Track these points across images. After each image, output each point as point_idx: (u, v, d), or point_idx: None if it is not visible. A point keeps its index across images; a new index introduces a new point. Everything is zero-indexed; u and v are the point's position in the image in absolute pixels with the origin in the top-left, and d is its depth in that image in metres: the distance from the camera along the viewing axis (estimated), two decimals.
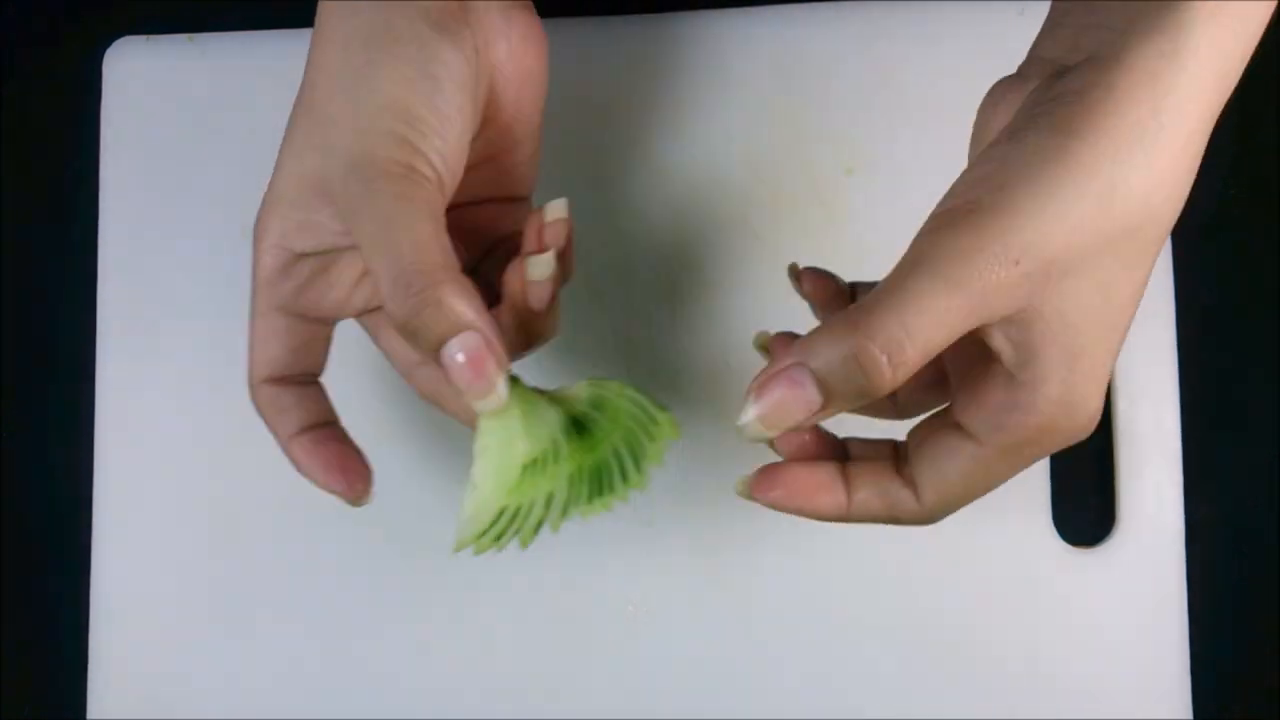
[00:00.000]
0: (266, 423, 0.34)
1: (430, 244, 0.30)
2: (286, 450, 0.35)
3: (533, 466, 0.31)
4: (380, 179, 0.30)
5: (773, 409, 0.28)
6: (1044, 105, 0.28)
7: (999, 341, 0.29)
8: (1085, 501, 0.47)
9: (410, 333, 0.29)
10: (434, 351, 0.29)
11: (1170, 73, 0.28)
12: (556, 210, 0.33)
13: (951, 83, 0.47)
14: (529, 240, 0.33)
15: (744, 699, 0.46)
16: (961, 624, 0.46)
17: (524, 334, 0.33)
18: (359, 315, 0.36)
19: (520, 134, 0.35)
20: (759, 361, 0.32)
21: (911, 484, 0.31)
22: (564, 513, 0.32)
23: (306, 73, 0.33)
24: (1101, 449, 0.47)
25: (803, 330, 0.30)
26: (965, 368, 0.31)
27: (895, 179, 0.47)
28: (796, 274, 0.35)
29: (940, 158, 0.34)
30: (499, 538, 0.31)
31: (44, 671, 0.49)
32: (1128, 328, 0.29)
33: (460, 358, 0.29)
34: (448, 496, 0.47)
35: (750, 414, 0.28)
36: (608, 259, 0.47)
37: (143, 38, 0.49)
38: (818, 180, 0.47)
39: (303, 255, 0.33)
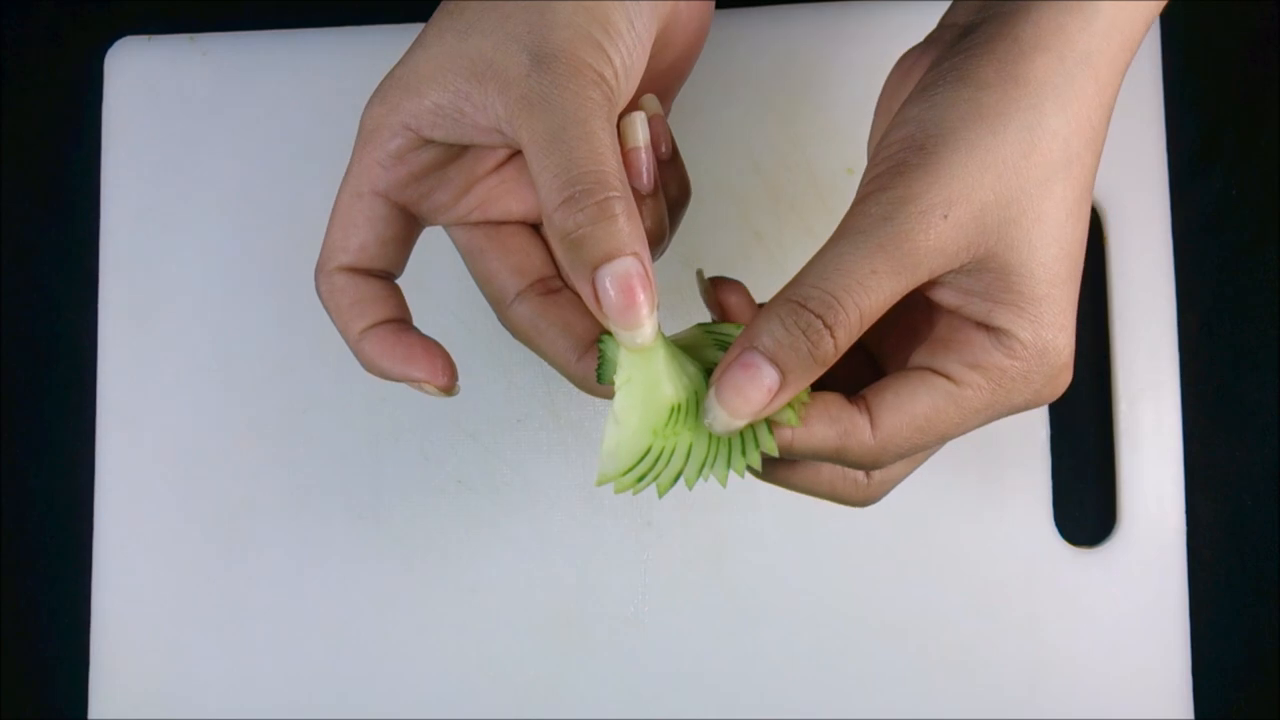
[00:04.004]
0: (335, 315, 0.32)
1: (610, 154, 0.28)
2: (356, 345, 0.32)
3: (676, 412, 0.30)
4: (571, 77, 0.28)
5: (735, 396, 0.28)
6: (951, 60, 0.29)
7: (952, 297, 0.29)
8: (1086, 501, 0.47)
9: (572, 244, 0.28)
10: (591, 270, 0.28)
11: (1076, 25, 0.28)
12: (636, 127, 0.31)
13: None
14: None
15: (744, 698, 0.46)
16: (963, 623, 0.46)
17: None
18: (456, 226, 0.33)
19: (673, 80, 0.34)
20: None
21: (868, 413, 0.30)
22: (700, 470, 0.30)
23: None
24: (1102, 448, 0.47)
25: None
26: (933, 323, 0.31)
27: None
28: (707, 285, 0.33)
29: None
30: (641, 479, 0.29)
31: (45, 671, 0.49)
32: (1079, 277, 0.30)
33: (616, 283, 0.28)
34: (448, 497, 0.47)
35: (715, 409, 0.28)
36: None
37: (144, 38, 0.50)
38: (818, 180, 0.47)
39: (428, 142, 0.31)
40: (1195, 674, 0.45)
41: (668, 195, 0.33)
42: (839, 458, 0.30)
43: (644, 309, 0.28)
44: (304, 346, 0.48)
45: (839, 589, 0.46)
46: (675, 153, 0.33)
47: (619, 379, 0.29)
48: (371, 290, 0.32)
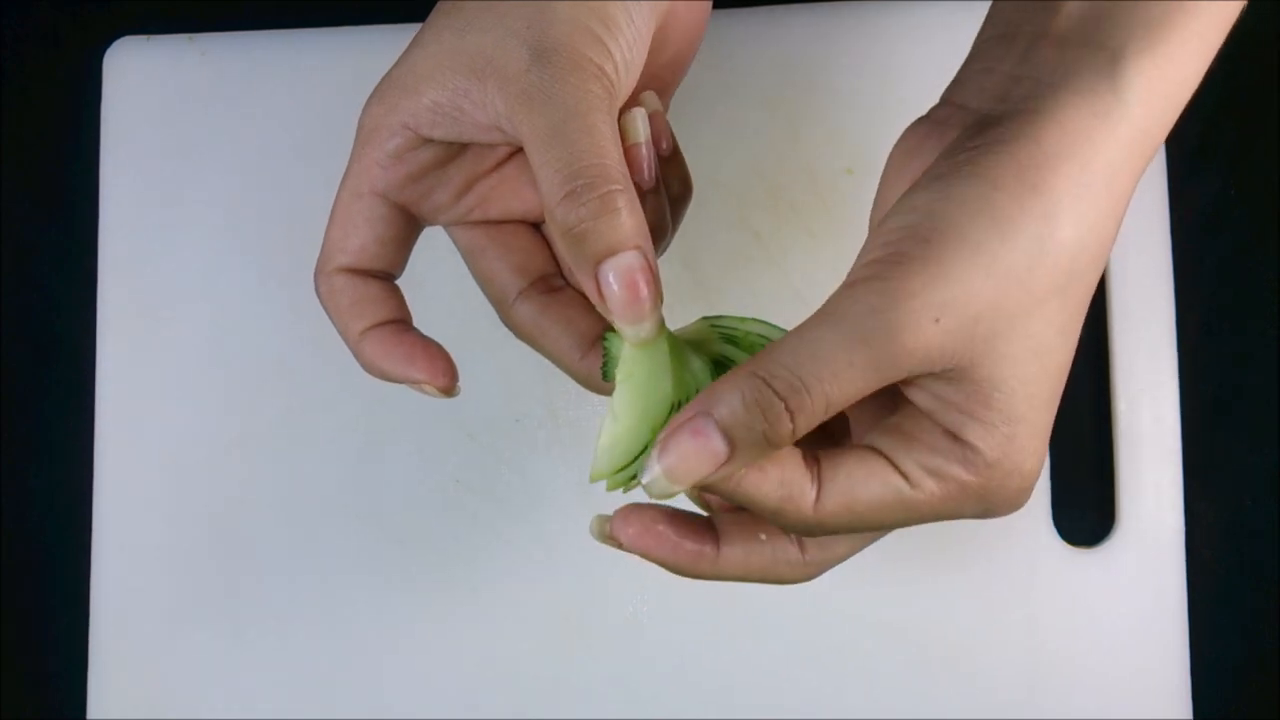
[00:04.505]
0: (334, 316, 0.32)
1: (611, 148, 0.28)
2: (356, 346, 0.32)
3: (677, 409, 0.29)
4: (572, 71, 0.28)
5: (678, 462, 0.26)
6: (968, 154, 0.27)
7: (926, 400, 0.28)
8: (1085, 501, 0.47)
9: (575, 238, 0.27)
10: (594, 265, 0.27)
11: (1102, 133, 0.27)
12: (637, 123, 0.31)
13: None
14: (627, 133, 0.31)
15: (745, 698, 0.46)
16: (961, 623, 0.46)
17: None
18: (456, 225, 0.33)
19: (671, 78, 0.34)
20: None
21: (817, 482, 0.28)
22: None
23: None
24: (1101, 448, 0.47)
25: None
26: (899, 405, 0.30)
27: None
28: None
29: None
30: (634, 478, 0.29)
31: (44, 672, 0.49)
32: (1058, 398, 0.28)
33: (619, 277, 0.27)
34: (448, 496, 0.47)
35: (655, 469, 0.27)
36: None
37: (143, 37, 0.50)
38: (818, 180, 0.47)
39: (428, 141, 0.31)
40: (1194, 674, 0.45)
41: (670, 191, 0.33)
42: (773, 517, 0.29)
43: (648, 303, 0.28)
44: (303, 346, 0.48)
45: (838, 589, 0.46)
46: (676, 149, 0.33)
47: (620, 374, 0.29)
48: (371, 291, 0.32)
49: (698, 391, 0.30)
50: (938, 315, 0.26)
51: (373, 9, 0.49)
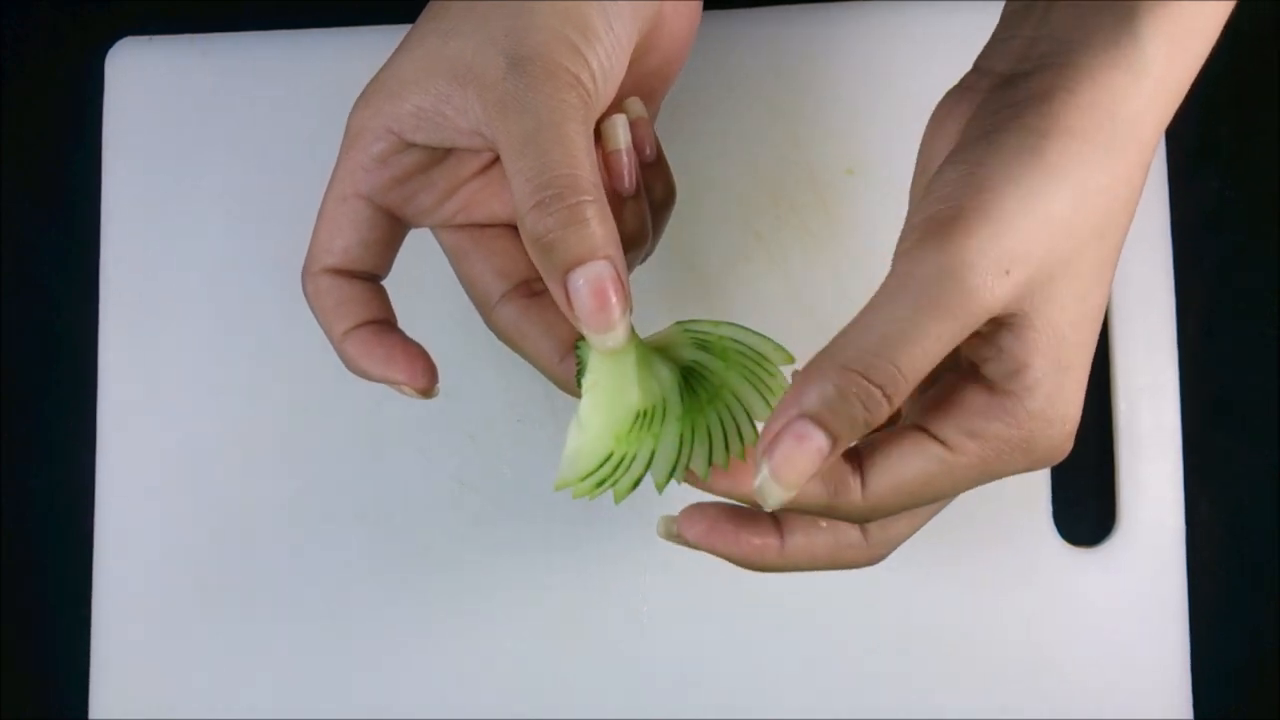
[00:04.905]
0: (320, 316, 0.32)
1: (583, 158, 0.28)
2: (339, 346, 0.32)
3: (642, 418, 0.30)
4: (546, 80, 0.28)
5: (786, 467, 0.26)
6: (1009, 109, 0.28)
7: (980, 350, 0.28)
8: (1086, 501, 0.47)
9: (544, 248, 0.28)
10: (562, 274, 0.28)
11: (1125, 83, 0.28)
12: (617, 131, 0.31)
13: (951, 83, 0.47)
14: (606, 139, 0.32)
15: (745, 698, 0.46)
16: (962, 623, 0.46)
17: (621, 236, 0.31)
18: (442, 228, 0.34)
19: (660, 83, 0.34)
20: None
21: (859, 473, 0.29)
22: (671, 472, 0.29)
23: None
24: (1102, 448, 0.47)
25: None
26: (928, 383, 0.30)
27: (895, 179, 0.47)
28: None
29: None
30: (600, 484, 0.29)
31: (47, 672, 0.49)
32: (1095, 344, 0.29)
33: (587, 286, 0.28)
34: (448, 496, 0.47)
35: (769, 484, 0.27)
36: None
37: (145, 38, 0.50)
38: (818, 180, 0.47)
39: (411, 146, 0.31)
40: (1194, 674, 0.45)
41: (652, 197, 0.33)
42: (828, 513, 0.29)
43: (615, 312, 0.28)
44: (305, 346, 0.48)
45: (838, 588, 0.46)
46: (660, 155, 0.33)
47: (586, 382, 0.30)
48: (355, 292, 0.32)
49: (662, 399, 0.30)
50: (1008, 267, 0.26)
51: (374, 10, 0.49)
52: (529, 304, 0.33)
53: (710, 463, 0.29)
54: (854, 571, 0.46)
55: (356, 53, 0.49)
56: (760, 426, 0.30)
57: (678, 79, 0.48)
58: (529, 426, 0.47)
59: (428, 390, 0.32)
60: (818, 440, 0.26)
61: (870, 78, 0.48)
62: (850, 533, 0.31)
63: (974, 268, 0.26)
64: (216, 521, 0.47)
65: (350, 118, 0.31)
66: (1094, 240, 0.28)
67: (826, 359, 0.27)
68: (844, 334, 0.27)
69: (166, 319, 0.48)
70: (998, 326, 0.27)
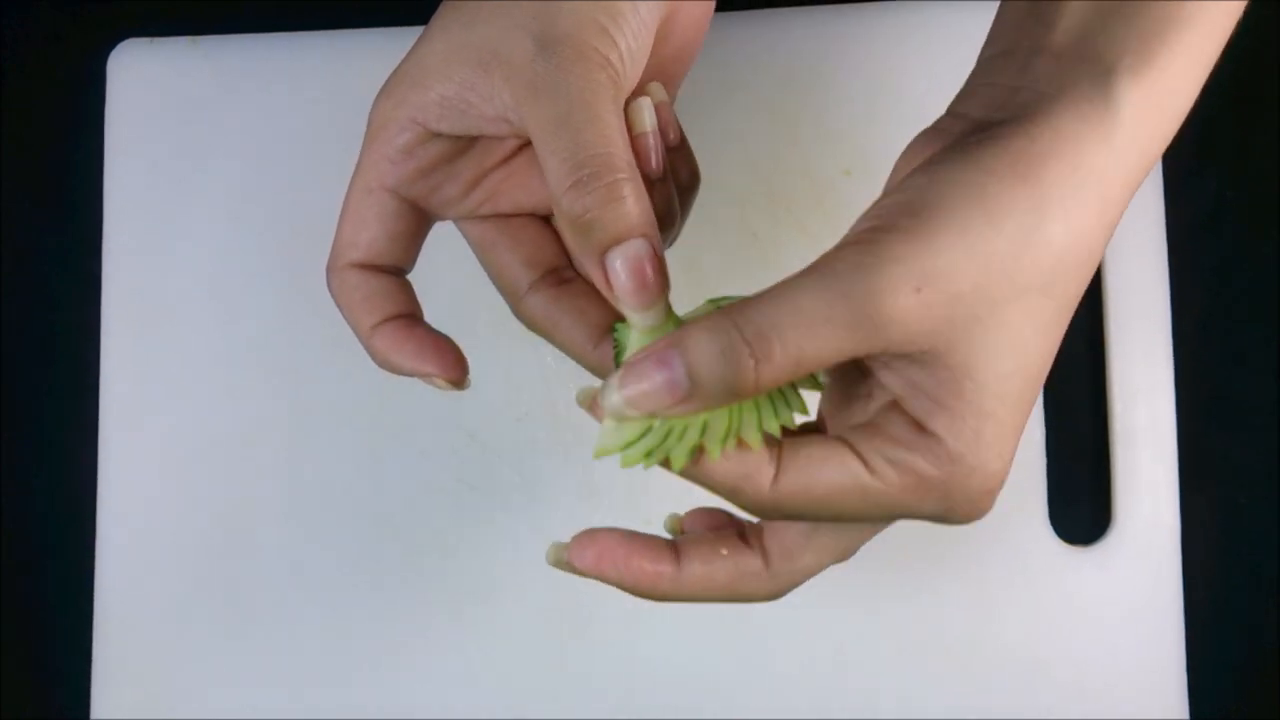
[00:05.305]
0: (346, 311, 0.32)
1: (617, 137, 0.28)
2: (367, 341, 0.32)
3: None
4: (576, 61, 0.28)
5: (638, 385, 0.27)
6: (964, 147, 0.28)
7: (897, 384, 0.27)
8: (1082, 500, 0.47)
9: (582, 227, 0.28)
10: (600, 253, 0.28)
11: (1094, 139, 0.27)
12: (643, 114, 0.31)
13: (950, 84, 0.47)
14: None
15: (743, 698, 0.46)
16: (958, 623, 0.46)
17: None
18: (466, 220, 0.33)
19: (676, 71, 0.34)
20: None
21: (777, 462, 0.28)
22: (724, 439, 0.28)
23: None
24: (1098, 447, 0.47)
25: None
26: (857, 390, 0.30)
27: None
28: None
29: None
30: (649, 454, 0.28)
31: (48, 672, 0.49)
32: (1033, 403, 0.28)
33: (627, 264, 0.28)
34: (449, 495, 0.47)
35: (612, 387, 0.27)
36: None
37: (146, 40, 0.50)
38: (816, 181, 0.48)
39: (437, 135, 0.31)
40: (1191, 673, 0.45)
41: (678, 180, 0.33)
42: (731, 496, 0.29)
43: (655, 289, 0.28)
44: (306, 346, 0.48)
45: (835, 588, 0.46)
46: (683, 139, 0.33)
47: (626, 359, 0.29)
48: (382, 286, 0.32)
49: None
50: (919, 284, 0.26)
51: (375, 11, 0.49)
52: (559, 292, 0.32)
53: (760, 430, 0.29)
54: (850, 569, 0.46)
55: (358, 55, 0.49)
56: (805, 396, 0.30)
57: None
58: (529, 426, 0.47)
59: (459, 381, 0.32)
60: (677, 373, 0.26)
61: (869, 79, 0.48)
62: (751, 561, 0.30)
63: (883, 271, 0.26)
64: (217, 521, 0.48)
65: (373, 110, 0.31)
66: (1036, 292, 0.27)
67: (724, 310, 0.27)
68: (747, 298, 0.27)
69: (168, 319, 0.48)
70: (911, 362, 0.27)
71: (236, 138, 0.49)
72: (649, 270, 0.28)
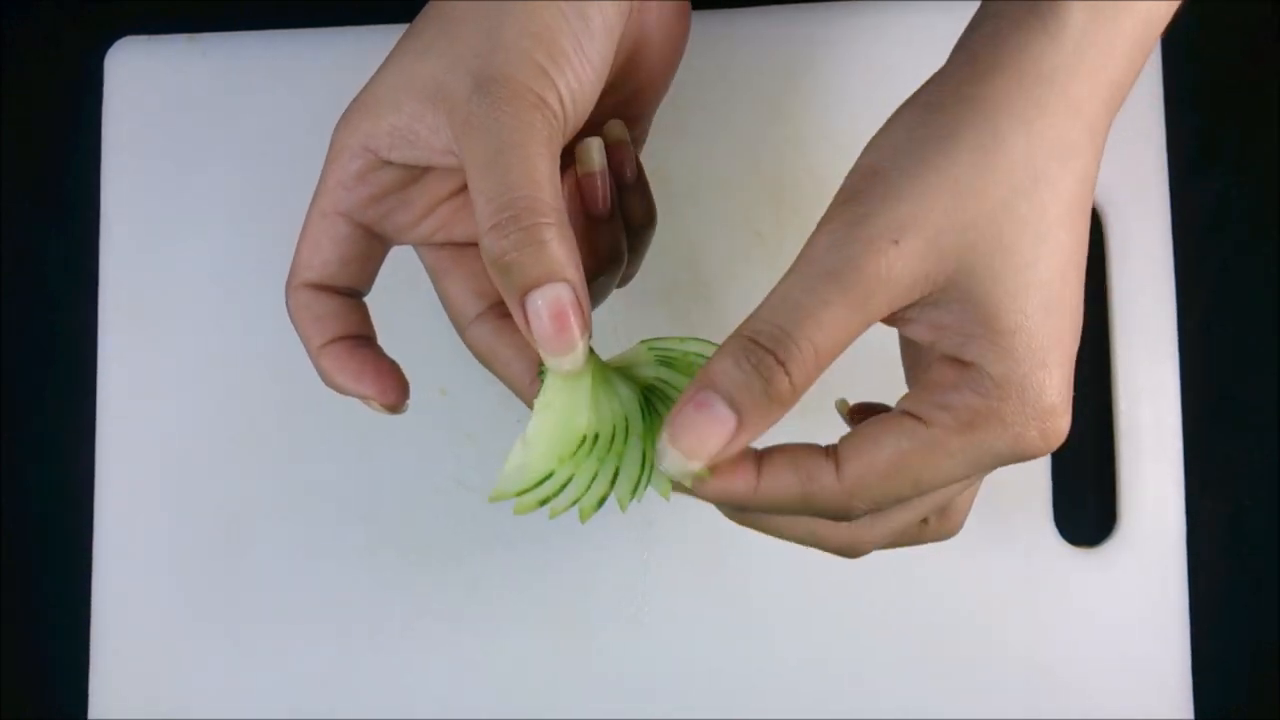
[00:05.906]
0: (299, 329, 0.33)
1: (544, 180, 0.28)
2: (316, 359, 0.33)
3: (595, 441, 0.30)
4: (509, 101, 0.28)
5: (688, 436, 0.27)
6: (913, 95, 0.28)
7: (925, 332, 0.28)
8: (1086, 501, 0.47)
9: (501, 269, 0.28)
10: (520, 296, 0.28)
11: (1039, 43, 0.27)
12: (591, 155, 0.32)
13: None
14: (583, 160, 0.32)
15: (744, 698, 0.46)
16: (963, 623, 0.46)
17: (594, 258, 0.32)
18: (421, 245, 0.34)
19: (645, 104, 0.34)
20: None
21: (834, 458, 0.28)
22: (634, 492, 0.30)
23: None
24: (1103, 449, 0.47)
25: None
26: (918, 365, 0.30)
27: None
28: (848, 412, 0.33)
29: None
30: (544, 501, 0.30)
31: (45, 672, 0.49)
32: (1074, 306, 0.28)
33: (546, 309, 0.27)
34: (447, 497, 0.47)
35: (667, 450, 0.27)
36: None
37: (144, 38, 0.50)
38: (819, 180, 0.47)
39: (388, 164, 0.31)
40: (1195, 673, 0.45)
41: (631, 220, 0.33)
42: (806, 506, 0.28)
43: (574, 335, 0.28)
44: (303, 347, 0.48)
45: (838, 588, 0.46)
46: (641, 177, 0.33)
47: (539, 401, 0.30)
48: (333, 307, 0.33)
49: (623, 419, 0.30)
50: (895, 236, 0.26)
51: (373, 9, 0.49)
52: (502, 325, 0.33)
53: (671, 482, 0.29)
54: (851, 569, 0.46)
55: (355, 52, 0.49)
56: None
57: (679, 78, 0.48)
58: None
59: (395, 407, 0.33)
60: (719, 409, 0.26)
61: (872, 77, 0.48)
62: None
63: (856, 238, 0.26)
64: (215, 521, 0.47)
65: (333, 135, 0.31)
66: (1016, 198, 0.27)
67: (732, 335, 0.27)
68: (752, 312, 0.27)
69: (166, 318, 0.48)
70: (926, 306, 0.27)
71: (235, 135, 0.49)
72: (569, 315, 0.28)
